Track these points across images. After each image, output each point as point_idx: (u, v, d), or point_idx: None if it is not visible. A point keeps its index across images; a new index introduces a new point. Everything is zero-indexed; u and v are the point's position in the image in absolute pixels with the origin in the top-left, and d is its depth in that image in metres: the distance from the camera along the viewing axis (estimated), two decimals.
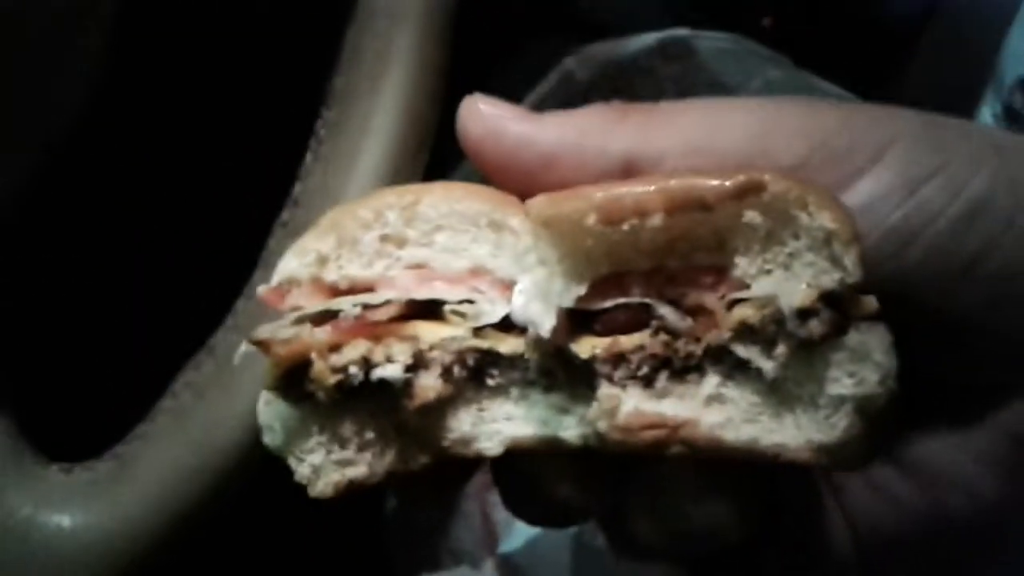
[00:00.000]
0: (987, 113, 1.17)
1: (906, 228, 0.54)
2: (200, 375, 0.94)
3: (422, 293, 0.56)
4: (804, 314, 0.51)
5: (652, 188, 0.52)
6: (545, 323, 0.54)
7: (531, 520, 0.62)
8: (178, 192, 0.98)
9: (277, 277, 0.56)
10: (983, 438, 0.58)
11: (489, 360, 0.56)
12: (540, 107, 0.80)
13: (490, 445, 0.56)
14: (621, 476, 0.57)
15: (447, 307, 0.56)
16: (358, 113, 0.96)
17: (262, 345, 0.54)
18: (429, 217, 0.56)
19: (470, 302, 0.56)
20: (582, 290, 0.55)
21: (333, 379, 0.53)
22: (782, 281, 0.52)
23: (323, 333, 0.54)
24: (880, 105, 0.57)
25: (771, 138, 0.54)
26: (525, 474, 0.57)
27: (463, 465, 0.58)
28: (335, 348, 0.54)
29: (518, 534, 1.02)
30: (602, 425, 0.53)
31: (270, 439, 0.55)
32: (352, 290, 0.56)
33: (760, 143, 0.54)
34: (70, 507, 0.91)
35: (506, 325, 0.56)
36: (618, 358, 0.54)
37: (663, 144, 0.55)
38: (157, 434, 0.92)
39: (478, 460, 0.57)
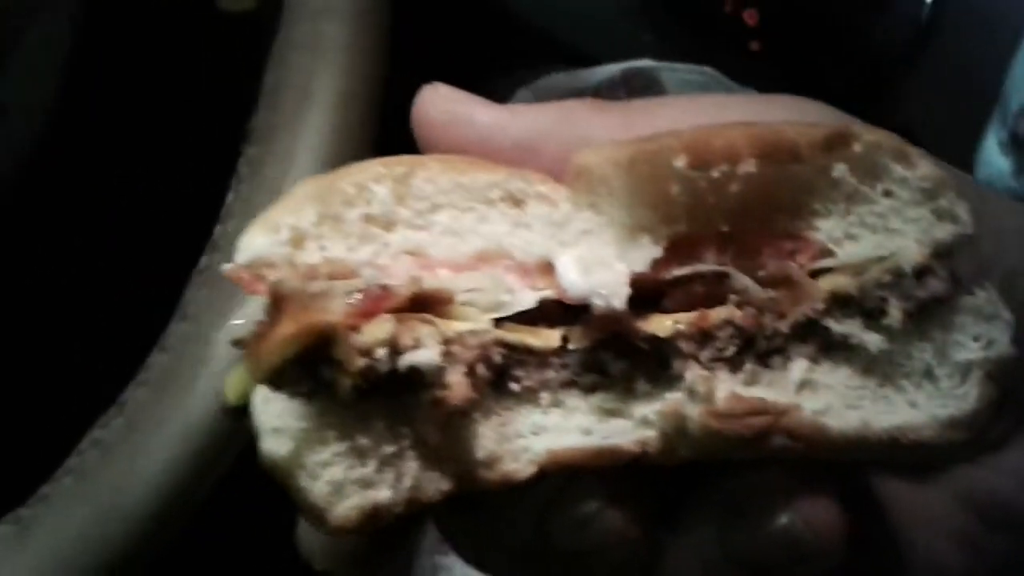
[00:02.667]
0: (992, 141, 1.15)
1: None
2: (108, 433, 0.87)
3: (426, 282, 0.46)
4: (920, 273, 0.46)
5: (741, 130, 0.47)
6: (618, 291, 0.46)
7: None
8: (89, 237, 0.92)
9: (243, 255, 0.45)
10: (942, 509, 0.54)
11: (515, 359, 0.47)
12: None
13: (518, 466, 0.46)
14: (678, 495, 0.49)
15: (458, 298, 0.46)
16: (280, 149, 0.90)
17: (271, 291, 0.42)
18: (425, 193, 0.47)
19: (482, 292, 0.47)
20: (658, 251, 0.47)
21: (360, 363, 0.42)
22: (879, 242, 0.47)
23: (346, 302, 0.43)
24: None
25: None
26: (542, 508, 0.47)
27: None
28: (353, 327, 0.43)
29: None
30: (693, 412, 0.45)
31: (276, 447, 0.43)
32: (333, 279, 0.45)
33: None
34: None
35: (528, 319, 0.47)
36: (704, 336, 0.47)
37: (648, 132, 0.49)
38: (60, 496, 0.85)
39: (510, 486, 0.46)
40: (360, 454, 0.45)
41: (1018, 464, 0.55)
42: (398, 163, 0.48)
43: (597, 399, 0.48)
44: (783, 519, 0.47)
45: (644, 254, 0.47)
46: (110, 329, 0.91)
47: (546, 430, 0.47)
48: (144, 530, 0.85)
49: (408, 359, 0.43)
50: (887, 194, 0.48)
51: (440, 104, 0.51)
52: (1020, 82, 1.07)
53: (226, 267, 0.45)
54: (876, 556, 0.54)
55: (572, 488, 0.47)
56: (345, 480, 0.44)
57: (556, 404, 0.48)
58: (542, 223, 0.48)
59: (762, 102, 0.53)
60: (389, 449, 0.45)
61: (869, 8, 1.24)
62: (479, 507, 0.49)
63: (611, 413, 0.48)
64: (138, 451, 0.86)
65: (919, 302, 0.46)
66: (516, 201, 0.48)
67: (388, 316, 0.44)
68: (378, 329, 0.43)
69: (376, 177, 0.47)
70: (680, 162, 0.46)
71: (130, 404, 0.88)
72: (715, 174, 0.47)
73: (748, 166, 0.46)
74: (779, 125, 0.48)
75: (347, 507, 0.44)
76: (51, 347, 0.90)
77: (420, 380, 0.44)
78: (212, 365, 0.87)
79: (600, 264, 0.47)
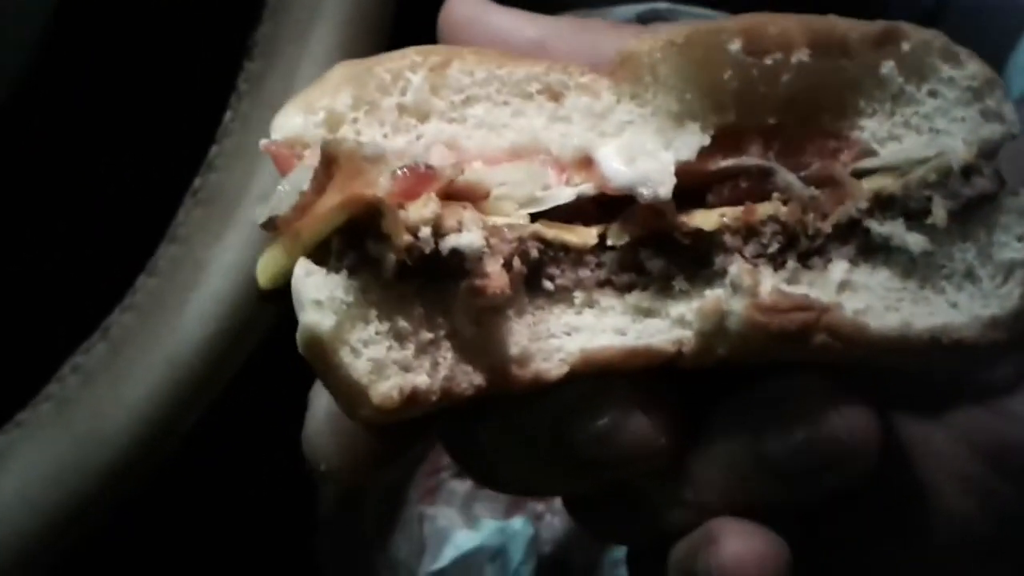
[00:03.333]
0: None
1: None
2: (90, 358, 0.82)
3: (463, 173, 0.45)
4: (966, 172, 0.46)
5: (796, 20, 0.47)
6: (664, 180, 0.45)
7: (558, 485, 0.52)
8: (76, 155, 0.87)
9: (279, 133, 0.45)
10: (948, 451, 0.54)
11: (550, 257, 0.47)
12: None
13: (550, 366, 0.46)
14: (707, 408, 0.49)
15: (494, 192, 0.46)
16: (283, 64, 0.85)
17: (323, 151, 0.41)
18: (461, 85, 0.47)
19: (518, 185, 0.47)
20: (706, 139, 0.47)
21: (406, 240, 0.42)
22: (923, 143, 0.48)
23: (392, 178, 0.42)
24: None
25: None
26: (570, 412, 0.47)
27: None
28: (399, 205, 0.43)
29: (447, 552, 0.92)
30: (737, 306, 0.45)
31: (319, 319, 0.42)
32: None
33: None
34: None
35: (564, 217, 0.47)
36: (749, 230, 0.47)
37: None
38: (38, 423, 0.81)
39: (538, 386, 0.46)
40: (399, 337, 0.44)
41: None
42: (434, 52, 0.47)
43: (633, 298, 0.47)
44: (822, 422, 0.46)
45: (691, 142, 0.47)
46: (96, 252, 0.86)
47: (579, 330, 0.47)
48: (126, 458, 0.81)
49: (451, 241, 0.43)
50: (933, 94, 0.48)
51: (462, 7, 0.52)
52: (1021, 69, 1.07)
53: (262, 142, 0.45)
54: (900, 499, 0.53)
55: (600, 392, 0.47)
56: (387, 359, 0.43)
57: (590, 304, 0.47)
58: (582, 115, 0.48)
59: None
60: (427, 336, 0.44)
61: None
62: (496, 414, 0.48)
63: (647, 313, 0.47)
64: (121, 377, 0.82)
65: (964, 201, 0.46)
66: (555, 94, 0.48)
67: (432, 196, 0.43)
68: (423, 208, 0.43)
69: (412, 66, 0.46)
70: (735, 45, 0.46)
71: (114, 329, 0.83)
72: (768, 61, 0.47)
73: (801, 55, 0.46)
74: (832, 18, 0.48)
75: (389, 386, 0.43)
76: (33, 269, 0.86)
77: (460, 266, 0.43)
78: (203, 289, 0.83)
79: (644, 154, 0.46)
